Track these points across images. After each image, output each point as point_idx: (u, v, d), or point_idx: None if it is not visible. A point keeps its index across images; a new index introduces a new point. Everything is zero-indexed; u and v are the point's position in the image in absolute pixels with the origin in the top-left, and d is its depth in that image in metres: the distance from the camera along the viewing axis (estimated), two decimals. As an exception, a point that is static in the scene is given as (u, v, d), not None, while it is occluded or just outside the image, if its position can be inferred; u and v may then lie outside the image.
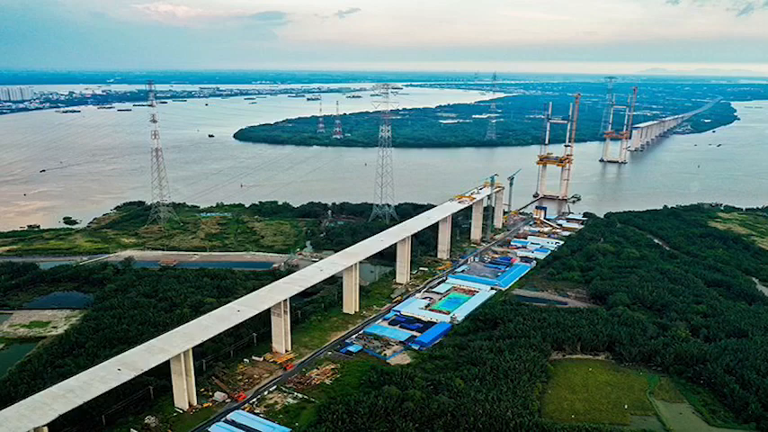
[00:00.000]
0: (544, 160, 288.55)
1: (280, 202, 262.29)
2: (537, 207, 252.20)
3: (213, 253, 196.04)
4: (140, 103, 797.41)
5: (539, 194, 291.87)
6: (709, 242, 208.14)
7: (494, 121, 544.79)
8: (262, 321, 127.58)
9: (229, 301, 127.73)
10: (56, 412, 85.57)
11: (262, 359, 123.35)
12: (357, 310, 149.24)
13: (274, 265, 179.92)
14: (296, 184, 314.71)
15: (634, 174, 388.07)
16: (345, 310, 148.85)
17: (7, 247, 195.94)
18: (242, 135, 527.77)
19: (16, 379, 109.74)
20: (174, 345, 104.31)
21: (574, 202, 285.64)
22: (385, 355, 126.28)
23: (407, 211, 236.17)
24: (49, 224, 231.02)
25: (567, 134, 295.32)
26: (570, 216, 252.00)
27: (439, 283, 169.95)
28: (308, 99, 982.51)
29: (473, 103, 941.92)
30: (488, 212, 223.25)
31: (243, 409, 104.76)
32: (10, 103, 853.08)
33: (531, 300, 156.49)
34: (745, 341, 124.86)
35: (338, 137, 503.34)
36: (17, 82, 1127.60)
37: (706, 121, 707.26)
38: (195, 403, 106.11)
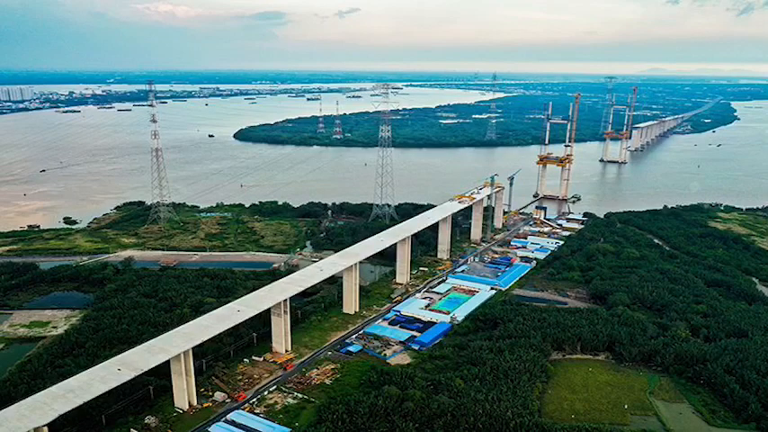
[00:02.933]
0: (544, 160, 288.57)
1: (280, 202, 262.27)
2: (537, 207, 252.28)
3: (213, 253, 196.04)
4: (140, 103, 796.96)
5: (539, 194, 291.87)
6: (709, 242, 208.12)
7: (494, 121, 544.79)
8: (262, 321, 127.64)
9: (229, 301, 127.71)
10: (56, 412, 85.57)
11: (262, 359, 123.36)
12: (357, 310, 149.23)
13: (274, 265, 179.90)
14: (296, 184, 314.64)
15: (634, 174, 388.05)
16: (345, 310, 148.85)
17: (7, 247, 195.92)
18: (242, 135, 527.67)
19: (16, 379, 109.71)
20: (174, 345, 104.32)
21: (574, 202, 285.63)
22: (385, 355, 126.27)
23: (407, 211, 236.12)
24: (49, 224, 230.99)
25: (567, 134, 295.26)
26: (570, 216, 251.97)
27: (439, 283, 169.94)
28: (308, 99, 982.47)
29: (473, 103, 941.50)
30: (488, 212, 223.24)
31: (243, 409, 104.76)
32: (10, 103, 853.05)
33: (531, 300, 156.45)
34: (745, 341, 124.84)
35: (338, 137, 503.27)
36: (17, 82, 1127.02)
37: (706, 121, 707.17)
38: (195, 403, 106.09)
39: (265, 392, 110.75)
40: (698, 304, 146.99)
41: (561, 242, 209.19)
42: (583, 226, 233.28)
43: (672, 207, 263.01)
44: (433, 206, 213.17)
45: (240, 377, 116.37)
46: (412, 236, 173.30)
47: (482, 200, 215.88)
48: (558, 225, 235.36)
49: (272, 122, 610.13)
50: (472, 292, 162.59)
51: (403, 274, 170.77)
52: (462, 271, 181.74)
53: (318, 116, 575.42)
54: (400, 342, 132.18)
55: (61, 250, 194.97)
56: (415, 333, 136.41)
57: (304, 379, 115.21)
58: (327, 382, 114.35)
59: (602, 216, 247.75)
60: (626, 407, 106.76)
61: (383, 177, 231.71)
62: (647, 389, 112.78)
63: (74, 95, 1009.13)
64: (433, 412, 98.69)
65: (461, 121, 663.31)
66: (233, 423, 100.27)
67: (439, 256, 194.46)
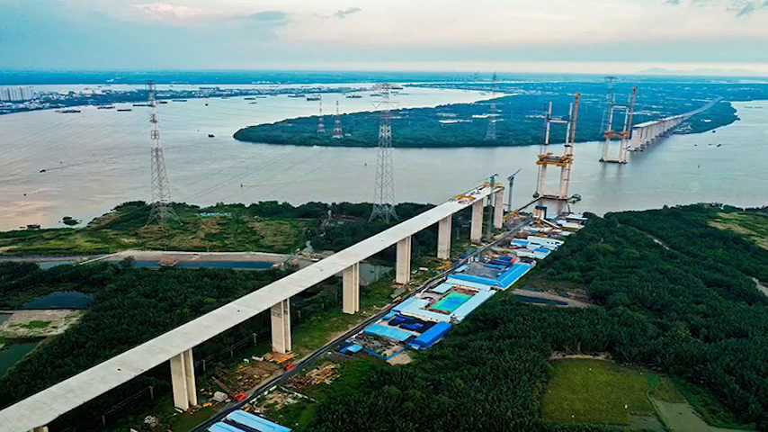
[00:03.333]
0: (544, 160, 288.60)
1: (280, 202, 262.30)
2: (537, 207, 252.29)
3: (213, 253, 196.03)
4: (140, 103, 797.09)
5: (539, 194, 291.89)
6: (709, 242, 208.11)
7: (494, 121, 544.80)
8: (262, 321, 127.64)
9: (229, 301, 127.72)
10: (56, 412, 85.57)
11: (262, 359, 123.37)
12: (357, 310, 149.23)
13: (274, 265, 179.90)
14: (296, 184, 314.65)
15: (634, 174, 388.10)
16: (345, 310, 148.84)
17: (7, 247, 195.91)
18: (242, 135, 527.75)
19: (16, 379, 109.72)
20: (174, 345, 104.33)
21: (574, 202, 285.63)
22: (385, 355, 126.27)
23: (407, 211, 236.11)
24: (49, 224, 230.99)
25: (567, 134, 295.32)
26: (570, 216, 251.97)
27: (439, 283, 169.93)
28: (308, 99, 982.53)
29: (473, 103, 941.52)
30: (488, 212, 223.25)
31: (243, 409, 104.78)
32: (10, 103, 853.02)
33: (531, 300, 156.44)
34: (745, 341, 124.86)
35: (338, 137, 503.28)
36: (17, 82, 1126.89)
37: (706, 121, 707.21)
38: (195, 403, 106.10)
39: (265, 392, 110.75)
40: (698, 304, 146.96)
41: (561, 242, 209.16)
42: (583, 226, 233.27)
43: (672, 207, 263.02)
44: (433, 206, 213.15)
45: (240, 377, 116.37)
46: (412, 236, 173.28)
47: (482, 200, 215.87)
48: (558, 225, 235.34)
49: (272, 122, 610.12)
50: (472, 292, 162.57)
51: (403, 274, 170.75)
52: (462, 271, 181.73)
53: (318, 116, 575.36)
54: (400, 342, 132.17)
55: (61, 250, 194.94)
56: (415, 333, 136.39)
57: (304, 379, 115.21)
58: (327, 382, 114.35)
59: (602, 216, 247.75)
60: (626, 407, 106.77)
61: (383, 177, 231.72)
62: (647, 389, 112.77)
63: (74, 95, 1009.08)
64: (433, 412, 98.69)
65: (461, 121, 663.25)
66: (233, 423, 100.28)
67: (439, 256, 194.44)
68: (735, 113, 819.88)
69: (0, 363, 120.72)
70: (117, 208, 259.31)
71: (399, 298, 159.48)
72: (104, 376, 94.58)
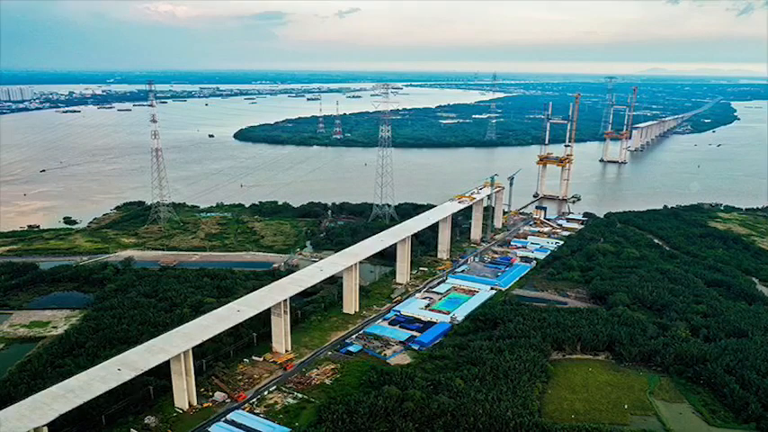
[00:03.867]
0: (544, 160, 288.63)
1: (280, 202, 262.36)
2: (537, 207, 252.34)
3: (213, 253, 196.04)
4: (140, 103, 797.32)
5: (539, 194, 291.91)
6: (709, 242, 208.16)
7: (494, 121, 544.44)
8: (262, 321, 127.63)
9: (229, 301, 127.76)
10: (56, 412, 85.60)
11: (262, 359, 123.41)
12: (357, 310, 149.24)
13: (274, 265, 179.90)
14: (296, 184, 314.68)
15: (634, 174, 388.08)
16: (345, 310, 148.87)
17: (7, 247, 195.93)
18: (242, 135, 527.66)
19: (16, 379, 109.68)
20: (174, 345, 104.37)
21: (574, 202, 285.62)
22: (385, 355, 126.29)
23: (407, 211, 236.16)
24: (49, 224, 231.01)
25: (567, 134, 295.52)
26: (570, 216, 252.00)
27: (439, 283, 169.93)
28: (308, 99, 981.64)
29: (473, 103, 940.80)
30: (488, 212, 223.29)
31: (243, 409, 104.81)
32: (10, 103, 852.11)
33: (531, 300, 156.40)
34: (745, 341, 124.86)
35: (338, 137, 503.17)
36: (17, 82, 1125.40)
37: (706, 121, 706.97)
38: (195, 403, 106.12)
39: (265, 392, 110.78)
40: (698, 304, 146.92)
41: (561, 242, 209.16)
42: (583, 226, 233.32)
43: (672, 207, 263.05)
44: (433, 206, 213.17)
45: (240, 377, 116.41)
46: (412, 236, 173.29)
47: (482, 200, 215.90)
48: (558, 225, 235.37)
49: (272, 122, 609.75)
50: (472, 292, 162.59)
51: (403, 274, 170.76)
52: (462, 271, 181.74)
53: (318, 116, 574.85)
54: (400, 342, 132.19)
55: (61, 250, 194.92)
56: (415, 333, 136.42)
57: (304, 379, 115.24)
58: (327, 382, 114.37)
59: (602, 216, 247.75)
60: (626, 407, 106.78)
61: (383, 177, 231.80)
62: (647, 389, 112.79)
63: (74, 95, 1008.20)
64: (433, 412, 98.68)
65: (461, 121, 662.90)
66: (233, 423, 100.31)
67: (439, 256, 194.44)
68: (735, 113, 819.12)
69: (0, 363, 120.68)
70: (117, 208, 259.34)
71: (399, 298, 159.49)
72: (104, 376, 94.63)
